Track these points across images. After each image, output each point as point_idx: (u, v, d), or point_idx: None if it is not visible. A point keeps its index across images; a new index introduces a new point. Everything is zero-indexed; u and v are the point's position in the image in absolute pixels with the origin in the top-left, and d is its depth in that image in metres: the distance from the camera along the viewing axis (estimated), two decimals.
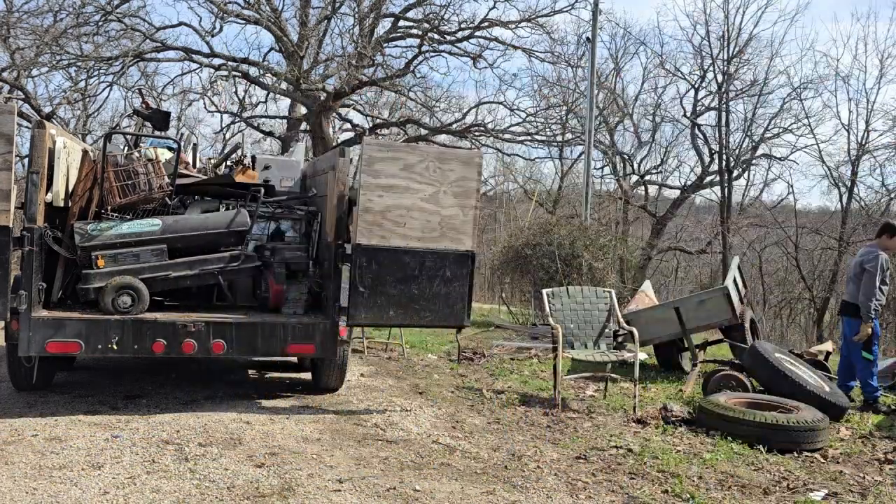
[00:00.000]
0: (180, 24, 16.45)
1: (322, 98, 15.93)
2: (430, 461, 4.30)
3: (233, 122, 20.24)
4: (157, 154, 5.63)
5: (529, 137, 18.52)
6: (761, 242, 20.77)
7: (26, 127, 11.76)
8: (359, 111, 20.48)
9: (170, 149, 5.99)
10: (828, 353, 7.84)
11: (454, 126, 18.35)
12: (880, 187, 19.81)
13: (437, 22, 16.40)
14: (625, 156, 23.32)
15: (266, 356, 6.62)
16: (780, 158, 20.83)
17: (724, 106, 19.96)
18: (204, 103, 27.52)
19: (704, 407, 5.28)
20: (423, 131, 18.52)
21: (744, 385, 6.04)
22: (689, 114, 21.19)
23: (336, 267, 5.35)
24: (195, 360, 6.87)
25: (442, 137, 18.36)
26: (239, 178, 6.06)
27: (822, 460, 4.72)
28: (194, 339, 4.99)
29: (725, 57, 19.90)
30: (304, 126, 17.98)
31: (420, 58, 16.95)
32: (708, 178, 21.13)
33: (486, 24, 16.62)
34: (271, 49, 18.21)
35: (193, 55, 16.37)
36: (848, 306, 6.34)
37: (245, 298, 6.09)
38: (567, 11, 16.84)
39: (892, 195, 19.44)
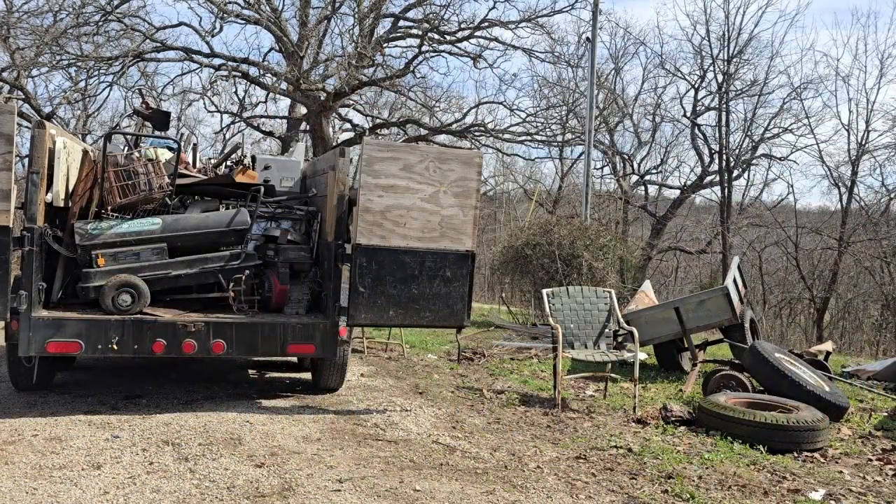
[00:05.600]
0: (180, 24, 16.45)
1: (322, 98, 15.93)
2: (430, 461, 4.30)
3: (233, 122, 20.24)
4: (157, 154, 5.63)
5: (529, 137, 18.53)
6: (761, 242, 20.76)
7: (26, 127, 11.78)
8: (359, 111, 20.49)
9: (170, 149, 6.00)
10: (828, 353, 7.84)
11: (454, 126, 18.35)
12: (880, 187, 19.81)
13: (437, 22, 16.40)
14: (625, 156, 23.34)
15: (266, 356, 6.62)
16: (780, 158, 20.85)
17: (724, 106, 19.96)
18: (204, 103, 27.57)
19: (704, 407, 5.28)
20: (423, 131, 18.52)
21: (744, 385, 6.04)
22: (689, 114, 21.21)
23: (336, 267, 5.35)
24: (195, 359, 6.88)
25: (442, 137, 18.36)
26: (239, 178, 6.06)
27: (822, 460, 4.72)
28: (194, 339, 4.99)
29: (725, 57, 19.91)
30: (304, 126, 17.98)
31: (420, 58, 16.95)
32: (708, 178, 21.14)
33: (486, 24, 16.62)
34: (271, 49, 18.20)
35: (193, 55, 16.36)
36: None
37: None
38: (567, 11, 16.84)
39: (893, 195, 19.43)
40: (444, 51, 17.25)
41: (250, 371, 7.02)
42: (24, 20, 15.63)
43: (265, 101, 19.82)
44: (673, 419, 5.43)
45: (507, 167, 28.00)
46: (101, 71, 16.46)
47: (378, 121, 20.09)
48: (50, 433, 4.49)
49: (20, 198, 5.07)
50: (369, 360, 7.87)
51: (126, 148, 5.94)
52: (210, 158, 7.60)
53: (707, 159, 21.10)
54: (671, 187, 23.46)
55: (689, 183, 21.98)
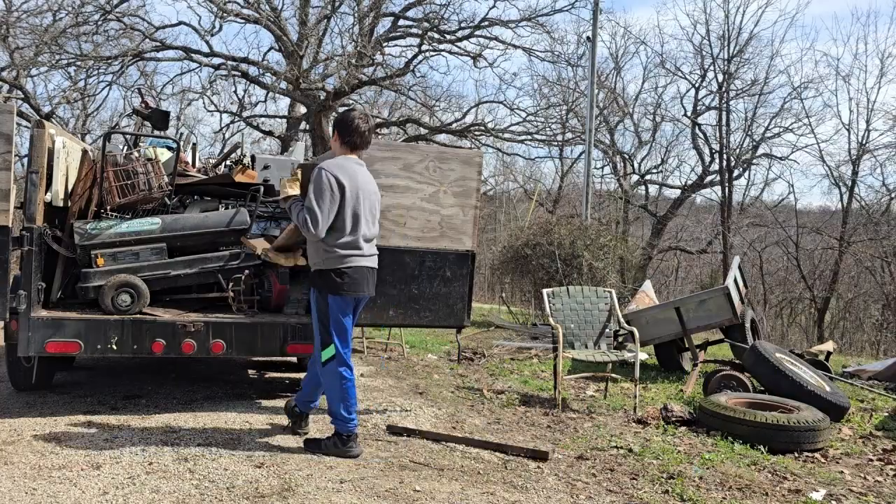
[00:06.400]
0: (180, 23, 16.44)
1: (322, 97, 15.92)
2: (430, 461, 4.29)
3: (232, 122, 20.27)
4: (156, 154, 5.62)
5: (529, 137, 18.53)
6: (762, 242, 20.76)
7: (25, 126, 11.77)
8: None
9: (169, 148, 5.99)
10: (829, 353, 7.83)
11: (454, 125, 18.35)
12: (881, 187, 19.81)
13: (436, 21, 16.40)
14: (625, 155, 23.32)
15: (266, 356, 6.61)
16: (780, 158, 20.85)
17: (725, 105, 19.96)
18: (203, 103, 27.57)
19: (705, 407, 5.27)
20: (423, 131, 18.52)
21: (744, 385, 6.03)
22: (689, 113, 21.20)
23: None
24: (195, 360, 6.87)
25: (442, 137, 18.36)
26: (238, 178, 6.05)
27: (823, 460, 4.71)
28: (194, 339, 4.98)
29: (726, 56, 19.91)
30: (303, 126, 17.98)
31: (420, 57, 16.96)
32: (708, 178, 21.13)
33: (486, 23, 16.62)
34: (271, 48, 18.23)
35: (193, 54, 16.36)
36: None
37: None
38: (567, 10, 16.88)
39: (893, 195, 19.43)
40: (443, 50, 17.25)
41: (250, 371, 7.01)
42: (23, 19, 15.64)
43: (265, 101, 19.85)
44: (674, 419, 5.42)
45: (508, 167, 28.01)
46: (101, 70, 16.47)
47: (378, 120, 20.09)
48: (49, 433, 4.48)
49: (19, 197, 5.06)
50: (369, 360, 7.86)
51: (125, 147, 5.93)
52: (209, 158, 7.60)
53: (707, 159, 21.10)
54: (672, 187, 23.46)
55: (689, 182, 21.98)
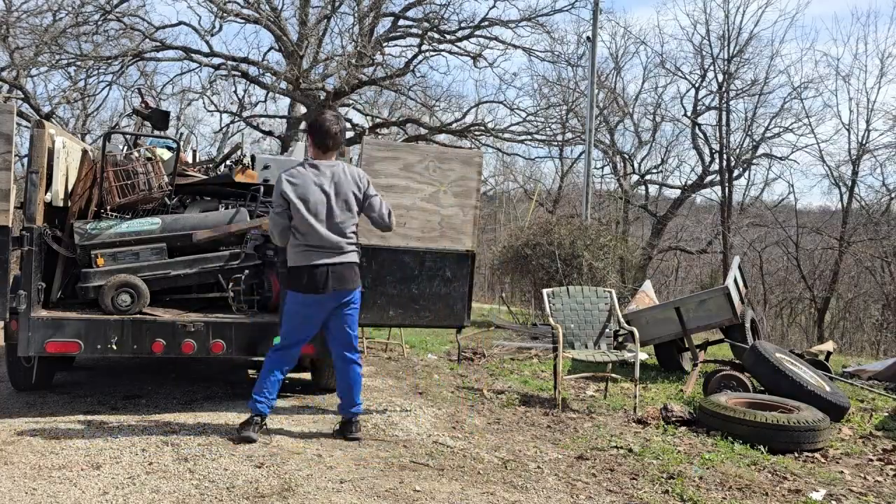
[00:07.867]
0: (180, 23, 16.45)
1: (322, 97, 15.92)
2: (430, 461, 4.29)
3: (232, 122, 20.26)
4: (156, 154, 5.62)
5: (529, 137, 18.54)
6: (762, 242, 20.77)
7: (25, 126, 11.77)
8: (358, 111, 20.49)
9: (169, 148, 5.99)
10: (829, 353, 7.83)
11: (454, 125, 18.35)
12: (881, 187, 19.82)
13: (436, 21, 16.41)
14: (625, 155, 23.33)
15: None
16: (780, 158, 20.87)
17: (725, 105, 19.96)
18: (203, 103, 27.58)
19: (705, 407, 5.27)
20: (423, 131, 18.52)
21: (744, 385, 6.03)
22: (689, 113, 21.20)
23: None
24: (195, 359, 6.86)
25: (442, 137, 18.35)
26: (239, 178, 6.05)
27: (823, 460, 4.71)
28: (194, 339, 4.98)
29: (726, 56, 19.92)
30: (303, 126, 17.98)
31: (420, 57, 16.97)
32: (708, 178, 21.14)
33: (486, 23, 16.64)
34: (271, 48, 18.24)
35: (193, 54, 16.37)
36: None
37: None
38: (567, 10, 16.89)
39: (893, 195, 19.43)
40: (443, 50, 17.27)
41: (250, 371, 7.01)
42: (23, 19, 15.65)
43: (265, 101, 19.85)
44: (673, 419, 5.41)
45: (508, 167, 28.02)
46: (101, 70, 16.48)
47: (378, 120, 20.09)
48: (49, 433, 4.48)
49: (19, 197, 5.06)
50: (369, 360, 7.86)
51: (125, 147, 5.93)
52: (211, 157, 7.59)
53: (707, 159, 21.12)
54: (672, 187, 23.47)
55: (689, 182, 22.00)
